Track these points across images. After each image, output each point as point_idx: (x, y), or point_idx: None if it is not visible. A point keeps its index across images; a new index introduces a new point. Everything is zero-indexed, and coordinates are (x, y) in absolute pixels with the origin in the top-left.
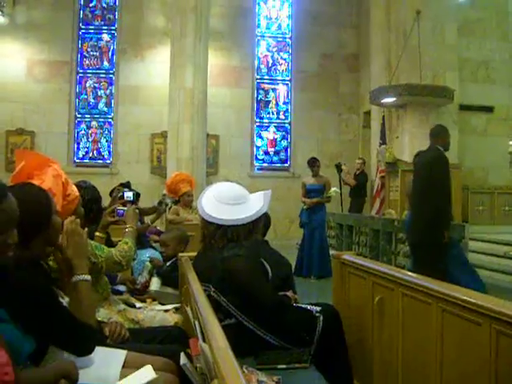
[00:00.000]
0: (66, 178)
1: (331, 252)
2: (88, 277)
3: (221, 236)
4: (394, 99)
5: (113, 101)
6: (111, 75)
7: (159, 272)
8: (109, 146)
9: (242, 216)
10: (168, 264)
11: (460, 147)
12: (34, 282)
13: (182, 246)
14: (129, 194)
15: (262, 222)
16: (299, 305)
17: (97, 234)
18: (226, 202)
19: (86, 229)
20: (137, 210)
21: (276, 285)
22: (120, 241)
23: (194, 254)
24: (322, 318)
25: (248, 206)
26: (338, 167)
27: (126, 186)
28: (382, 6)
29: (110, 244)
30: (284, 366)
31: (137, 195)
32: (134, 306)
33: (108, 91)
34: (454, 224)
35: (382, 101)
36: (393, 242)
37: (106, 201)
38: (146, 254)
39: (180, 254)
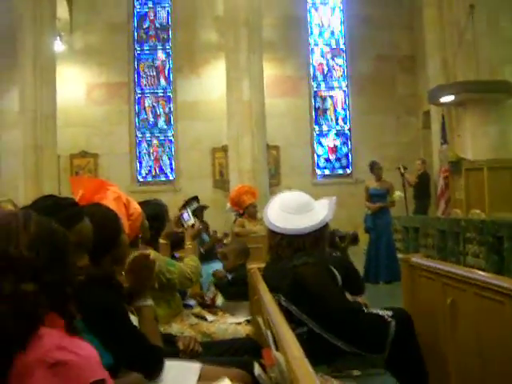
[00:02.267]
0: (127, 198)
1: (399, 255)
2: (150, 302)
3: (287, 246)
4: (453, 98)
5: (172, 118)
6: (169, 93)
7: (218, 285)
8: (171, 163)
9: (306, 225)
10: (228, 277)
11: None
12: (105, 298)
13: (242, 259)
14: (187, 217)
15: (328, 229)
16: (370, 310)
17: (161, 240)
18: (290, 211)
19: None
20: (197, 227)
21: (345, 290)
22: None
23: (263, 265)
24: (394, 322)
25: (313, 215)
26: (399, 169)
27: (194, 199)
28: (434, 4)
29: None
30: (359, 373)
31: (202, 208)
32: (205, 319)
33: (167, 109)
34: None
35: (441, 100)
36: (460, 242)
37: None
38: (213, 267)
39: (249, 267)
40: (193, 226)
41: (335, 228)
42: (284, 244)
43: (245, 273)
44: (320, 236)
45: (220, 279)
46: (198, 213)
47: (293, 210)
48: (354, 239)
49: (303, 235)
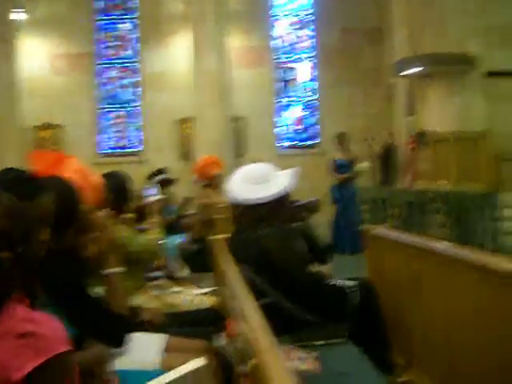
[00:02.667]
0: (87, 170)
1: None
2: (119, 269)
3: (248, 216)
4: (419, 69)
5: (139, 89)
6: (135, 64)
7: (183, 257)
8: (137, 135)
9: (262, 195)
10: (194, 248)
11: (490, 114)
12: (67, 271)
13: (208, 229)
14: (152, 191)
15: (289, 199)
16: (334, 281)
17: (129, 215)
18: (251, 181)
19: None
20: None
21: (310, 259)
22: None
23: (229, 235)
24: (357, 293)
25: (273, 184)
26: (366, 140)
27: (161, 172)
28: None
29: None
30: (322, 342)
31: (169, 181)
32: (171, 291)
33: (134, 80)
34: (487, 192)
35: (406, 72)
36: (426, 212)
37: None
38: (178, 239)
39: (214, 237)
40: (158, 200)
41: (296, 199)
42: (246, 214)
43: (208, 243)
44: (280, 205)
45: (185, 251)
46: (164, 185)
47: (253, 181)
48: (314, 208)
49: (263, 205)
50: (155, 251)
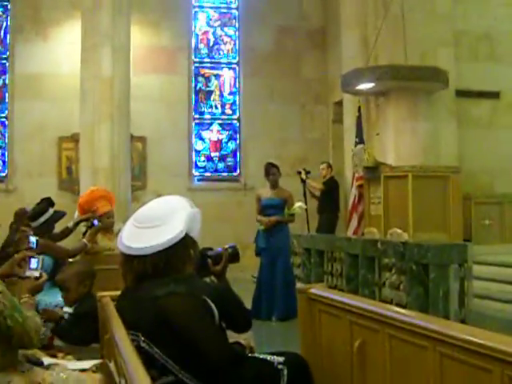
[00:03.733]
0: None
1: (297, 285)
2: None
3: (140, 269)
4: (373, 85)
5: (7, 94)
6: (4, 60)
7: (54, 329)
8: (3, 155)
9: (151, 243)
10: (66, 316)
11: (460, 145)
12: None
13: (87, 285)
14: (34, 264)
15: (195, 247)
16: (257, 355)
17: None
18: (142, 225)
19: None
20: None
21: (226, 327)
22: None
23: (119, 293)
24: (285, 371)
25: (164, 230)
26: (300, 174)
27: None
28: None
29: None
30: None
31: (59, 215)
32: (41, 364)
33: (1, 81)
34: (453, 244)
35: (358, 87)
36: (376, 269)
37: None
38: (59, 296)
39: (99, 294)
40: (37, 278)
41: (206, 246)
42: (139, 266)
43: (92, 304)
44: (184, 255)
45: (56, 321)
46: (51, 223)
47: (145, 224)
48: (233, 257)
49: (159, 254)
50: (32, 338)
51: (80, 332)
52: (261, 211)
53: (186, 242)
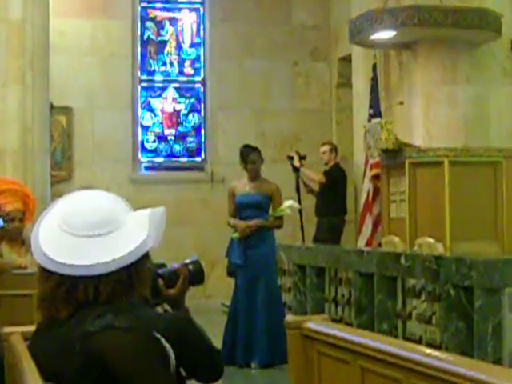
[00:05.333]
0: None
1: (287, 317)
2: None
3: (65, 297)
4: (394, 34)
5: None
6: None
7: None
8: None
9: (104, 258)
10: None
11: None
12: None
13: None
14: None
15: (149, 266)
16: None
17: None
18: (78, 232)
19: None
20: None
21: (182, 375)
22: None
23: (33, 328)
24: None
25: (117, 239)
26: (292, 160)
27: None
28: None
29: None
30: None
31: None
32: None
33: None
34: (509, 259)
35: (372, 37)
36: (398, 295)
37: None
38: None
39: (5, 330)
40: None
41: (158, 262)
42: (61, 293)
43: None
44: (132, 277)
45: None
46: None
47: (81, 231)
48: (195, 276)
49: (100, 276)
50: None
51: None
52: (235, 212)
53: (147, 254)
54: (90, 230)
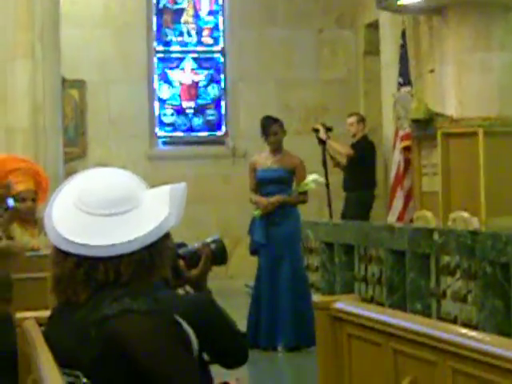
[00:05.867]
0: None
1: (314, 298)
2: None
3: (87, 278)
4: None
5: None
6: None
7: None
8: None
9: (125, 238)
10: None
11: None
12: None
13: (7, 298)
14: None
15: (170, 245)
16: None
17: None
18: (93, 210)
19: None
20: None
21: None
22: None
23: (48, 313)
24: None
25: (138, 217)
26: (318, 132)
27: None
28: None
29: None
30: None
31: None
32: None
33: None
34: None
35: (400, 2)
36: (432, 273)
37: None
38: None
39: (20, 315)
40: None
41: (177, 241)
42: (80, 275)
43: (9, 331)
44: (154, 258)
45: None
46: None
47: (99, 209)
48: (218, 256)
49: (121, 257)
50: None
51: None
52: (257, 188)
53: (168, 233)
54: (107, 208)
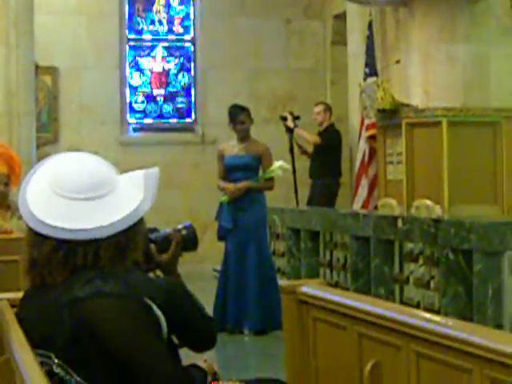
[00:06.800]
0: None
1: (280, 282)
2: None
3: (63, 261)
4: None
5: None
6: None
7: None
8: None
9: (102, 222)
10: None
11: None
12: None
13: None
14: None
15: (144, 229)
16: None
17: None
18: (71, 194)
19: None
20: None
21: (179, 343)
22: None
23: (20, 295)
24: None
25: (114, 202)
26: (285, 121)
27: None
28: None
29: None
30: None
31: None
32: None
33: None
34: (509, 222)
35: None
36: (395, 259)
37: None
38: None
39: None
40: None
41: (152, 226)
42: (57, 258)
43: None
44: (128, 241)
45: None
46: None
47: (75, 194)
48: (188, 242)
49: (99, 240)
50: None
51: None
52: (224, 175)
53: (141, 219)
54: (84, 192)
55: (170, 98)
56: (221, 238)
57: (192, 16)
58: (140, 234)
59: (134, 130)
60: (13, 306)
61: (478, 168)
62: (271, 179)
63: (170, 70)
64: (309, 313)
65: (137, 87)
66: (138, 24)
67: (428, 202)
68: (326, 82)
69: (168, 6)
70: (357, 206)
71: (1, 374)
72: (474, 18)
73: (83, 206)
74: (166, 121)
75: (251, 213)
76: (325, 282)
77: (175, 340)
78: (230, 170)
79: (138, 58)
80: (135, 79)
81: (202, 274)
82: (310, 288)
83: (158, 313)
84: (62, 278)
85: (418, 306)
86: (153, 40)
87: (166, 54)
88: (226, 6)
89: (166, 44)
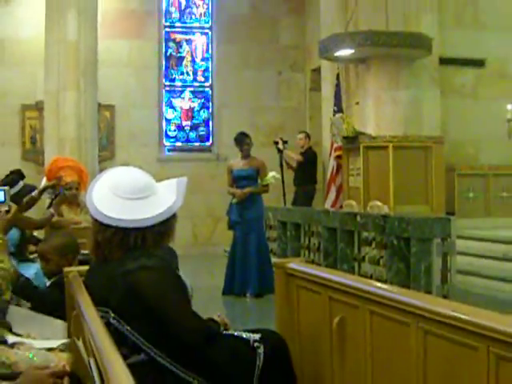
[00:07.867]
0: None
1: (273, 260)
2: None
3: (120, 243)
4: (352, 51)
5: None
6: None
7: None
8: None
9: (148, 215)
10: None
11: (443, 114)
12: None
13: (69, 258)
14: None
15: (176, 221)
16: (231, 332)
17: None
18: (126, 195)
19: None
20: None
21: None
22: None
23: (86, 268)
24: (262, 348)
25: (156, 201)
26: (277, 144)
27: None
28: None
29: None
30: None
31: (29, 189)
32: (5, 342)
33: None
34: (436, 218)
35: (336, 54)
36: (355, 244)
37: None
38: (31, 271)
39: (66, 269)
40: (7, 211)
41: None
42: (116, 241)
43: None
44: (166, 230)
45: (22, 285)
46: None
47: (129, 195)
48: None
49: (143, 229)
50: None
51: (52, 303)
52: (233, 183)
53: (174, 213)
54: (135, 193)
55: (194, 127)
56: (230, 227)
57: (210, 69)
58: (173, 224)
59: (168, 150)
60: (81, 275)
61: (414, 179)
62: (267, 185)
63: (194, 107)
64: (293, 282)
65: (170, 120)
66: (172, 74)
67: (378, 203)
68: (306, 117)
69: (193, 61)
70: (328, 205)
71: (74, 324)
72: (412, 72)
73: (134, 204)
74: (192, 144)
75: (253, 210)
76: (304, 260)
77: None
78: (237, 180)
79: (171, 99)
80: (169, 114)
81: (216, 254)
82: (295, 264)
83: (187, 281)
84: (117, 255)
85: (371, 278)
86: (182, 86)
87: (191, 96)
88: (235, 62)
89: (191, 89)
